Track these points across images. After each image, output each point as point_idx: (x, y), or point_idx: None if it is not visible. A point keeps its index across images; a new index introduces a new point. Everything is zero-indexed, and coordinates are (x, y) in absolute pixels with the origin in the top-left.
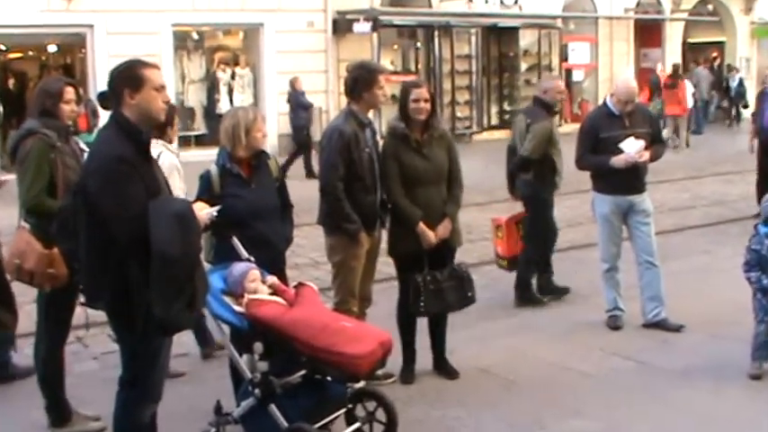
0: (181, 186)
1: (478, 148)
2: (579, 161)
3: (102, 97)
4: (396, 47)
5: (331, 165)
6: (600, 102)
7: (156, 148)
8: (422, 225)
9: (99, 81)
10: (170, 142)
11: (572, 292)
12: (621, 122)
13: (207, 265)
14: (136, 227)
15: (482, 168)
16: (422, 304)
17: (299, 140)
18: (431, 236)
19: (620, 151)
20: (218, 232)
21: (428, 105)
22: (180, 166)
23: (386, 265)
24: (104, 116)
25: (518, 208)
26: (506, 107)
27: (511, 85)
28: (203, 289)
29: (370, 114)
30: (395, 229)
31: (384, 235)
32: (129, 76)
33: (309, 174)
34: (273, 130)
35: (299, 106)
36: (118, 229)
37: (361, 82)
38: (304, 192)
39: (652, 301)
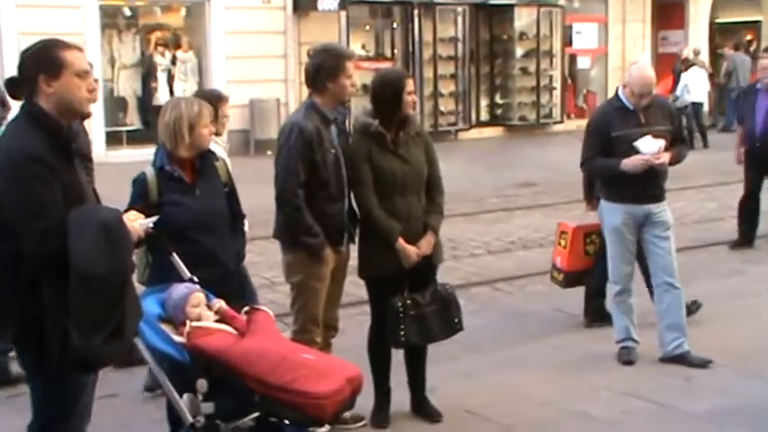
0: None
1: (465, 148)
2: (585, 164)
3: (12, 85)
4: (368, 27)
5: (289, 168)
6: (610, 94)
7: None
8: (401, 241)
9: (7, 65)
10: (218, 134)
11: (574, 318)
12: (636, 118)
13: (140, 287)
14: (51, 239)
15: (468, 172)
16: (402, 333)
17: None
18: (412, 253)
19: (635, 152)
20: (154, 247)
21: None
22: (229, 162)
23: (355, 287)
24: (16, 107)
25: (591, 218)
26: (498, 100)
27: (504, 75)
28: (134, 315)
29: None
30: (367, 247)
31: (353, 251)
32: (44, 60)
33: None
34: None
35: None
36: (28, 242)
37: (325, 70)
38: (259, 199)
39: (672, 331)
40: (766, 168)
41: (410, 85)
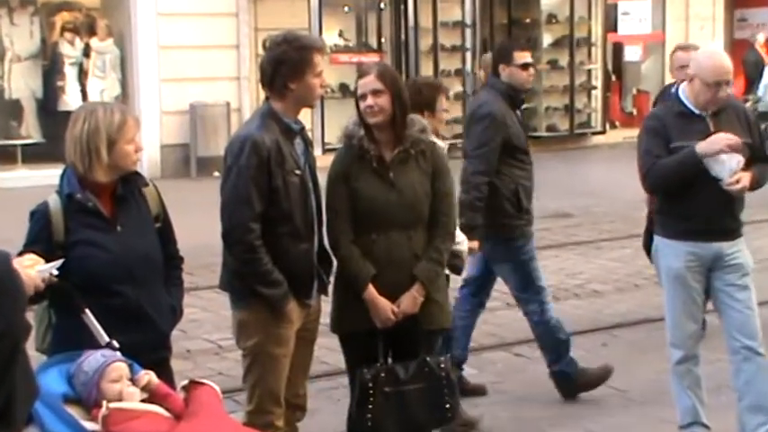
0: None
1: None
2: (650, 174)
3: None
4: (346, 9)
5: (240, 196)
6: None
7: None
8: (371, 290)
9: None
10: (435, 133)
11: (622, 394)
12: (703, 127)
13: (39, 357)
14: None
15: None
16: (369, 416)
17: None
18: (385, 308)
19: (705, 173)
20: (58, 303)
21: (382, 101)
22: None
23: (329, 353)
24: None
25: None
26: None
27: None
28: (27, 395)
29: (305, 117)
30: (341, 292)
31: (326, 305)
32: None
33: None
34: (153, 140)
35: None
36: None
37: (286, 66)
38: (202, 236)
39: (756, 413)
40: None
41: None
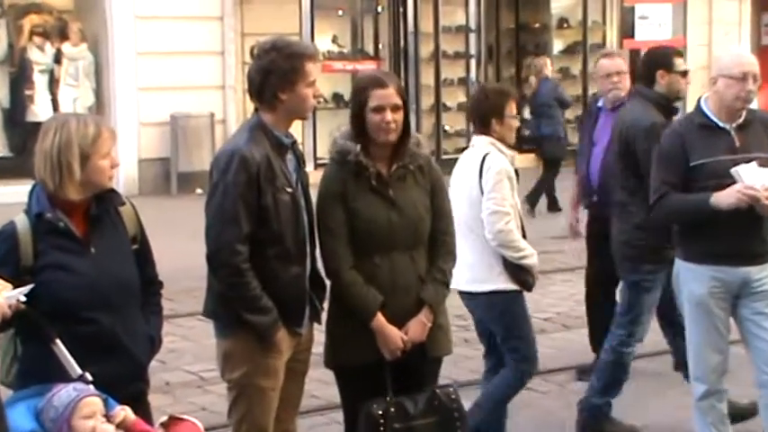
0: (513, 203)
1: None
2: (656, 208)
3: None
4: (341, 12)
5: (226, 215)
6: (690, 106)
7: (482, 147)
8: (380, 318)
9: None
10: (501, 140)
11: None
12: (728, 141)
13: (6, 391)
14: None
15: None
16: None
17: (553, 156)
18: (395, 338)
19: (729, 184)
20: (26, 331)
21: (399, 117)
22: (514, 175)
23: (322, 386)
24: None
25: None
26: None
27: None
28: None
29: (296, 130)
30: (337, 323)
31: (319, 334)
32: None
33: (552, 205)
34: (130, 154)
35: (555, 100)
36: None
37: (276, 75)
38: (184, 259)
39: None
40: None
41: (381, 96)
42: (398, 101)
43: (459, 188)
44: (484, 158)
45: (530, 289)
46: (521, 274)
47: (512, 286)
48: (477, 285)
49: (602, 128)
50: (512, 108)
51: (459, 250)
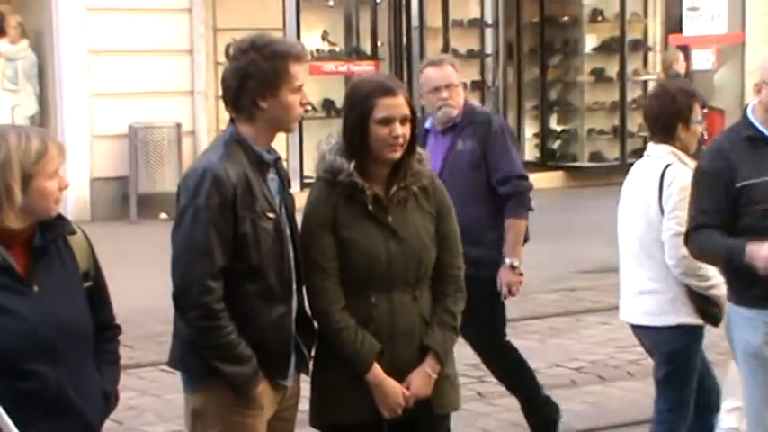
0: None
1: None
2: (691, 240)
3: None
4: (332, 3)
5: (198, 246)
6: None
7: (662, 157)
8: (378, 369)
9: None
10: (684, 149)
11: None
12: None
13: None
14: None
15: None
16: None
17: None
18: (396, 392)
19: None
20: None
21: (408, 131)
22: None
23: None
24: None
25: None
26: (555, 126)
27: (565, 83)
28: None
29: (279, 144)
30: (324, 375)
31: (306, 386)
32: None
33: None
34: (81, 173)
35: None
36: None
37: (256, 79)
38: (145, 298)
39: None
40: None
41: (390, 105)
42: (407, 111)
43: (634, 206)
44: (664, 171)
45: (717, 324)
46: (707, 306)
47: (696, 321)
48: (656, 318)
49: (433, 154)
50: (697, 112)
51: (633, 277)
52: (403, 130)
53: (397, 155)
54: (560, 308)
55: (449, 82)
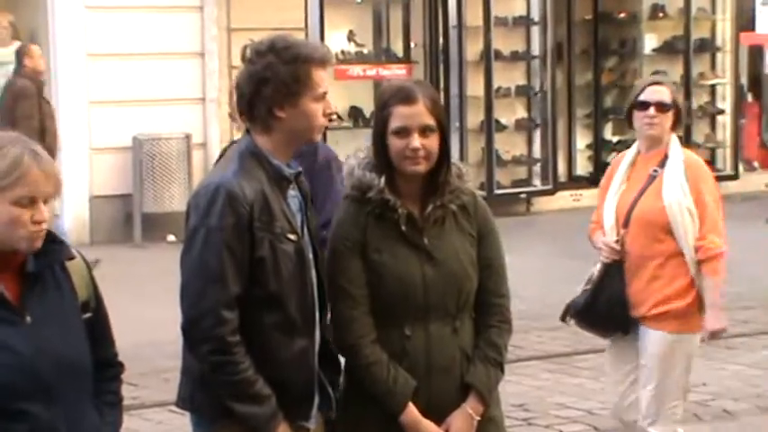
0: None
1: (544, 226)
2: None
3: None
4: (359, 0)
5: (208, 271)
6: None
7: None
8: (413, 410)
9: None
10: None
11: None
12: None
13: None
14: None
15: (546, 275)
16: None
17: None
18: None
19: None
20: None
21: (432, 143)
22: None
23: None
24: None
25: None
26: (610, 136)
27: (621, 88)
28: None
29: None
30: (353, 417)
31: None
32: None
33: None
34: (79, 191)
35: None
36: None
37: (274, 85)
38: (152, 331)
39: None
40: None
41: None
42: (429, 120)
43: None
44: None
45: None
46: None
47: None
48: None
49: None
50: None
51: None
52: (423, 142)
53: (420, 168)
54: None
55: None
